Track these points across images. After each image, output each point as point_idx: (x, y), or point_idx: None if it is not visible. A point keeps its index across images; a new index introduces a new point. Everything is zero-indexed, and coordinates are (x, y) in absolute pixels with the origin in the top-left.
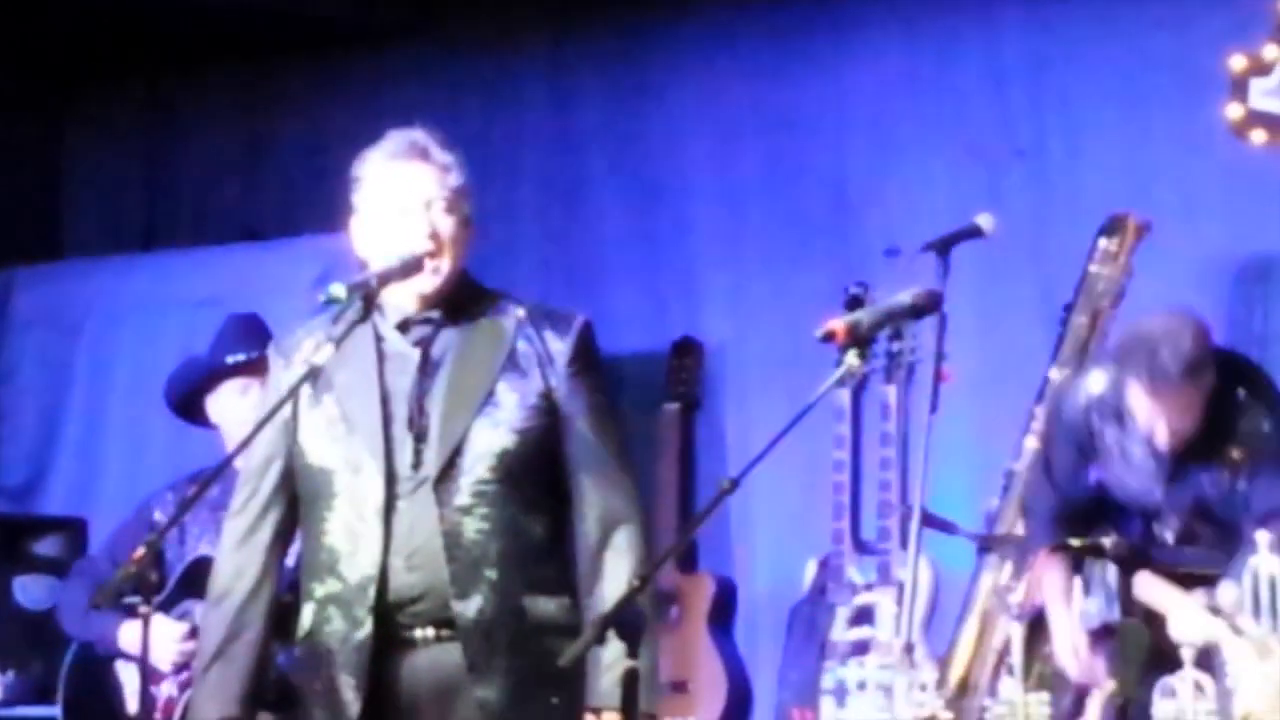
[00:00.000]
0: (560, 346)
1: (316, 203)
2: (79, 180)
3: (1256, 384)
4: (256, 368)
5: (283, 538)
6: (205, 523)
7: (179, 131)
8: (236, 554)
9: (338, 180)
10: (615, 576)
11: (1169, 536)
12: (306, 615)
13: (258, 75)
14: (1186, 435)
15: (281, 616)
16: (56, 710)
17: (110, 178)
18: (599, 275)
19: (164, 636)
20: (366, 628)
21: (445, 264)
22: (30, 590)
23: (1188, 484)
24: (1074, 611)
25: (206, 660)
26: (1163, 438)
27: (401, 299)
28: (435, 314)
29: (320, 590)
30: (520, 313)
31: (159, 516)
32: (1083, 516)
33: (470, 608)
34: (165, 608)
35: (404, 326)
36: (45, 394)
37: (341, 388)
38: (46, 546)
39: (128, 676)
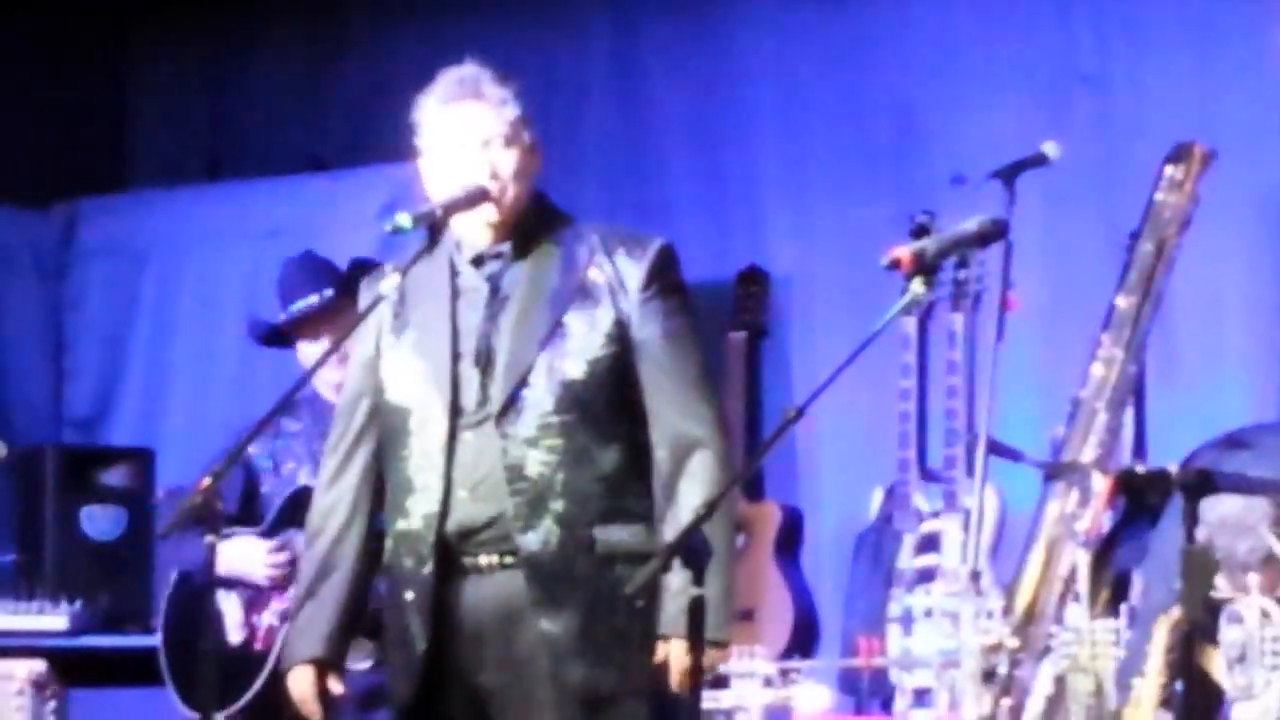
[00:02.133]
0: (633, 271)
1: (382, 132)
2: (144, 111)
3: None
4: (311, 319)
5: (374, 473)
6: (299, 455)
7: (243, 62)
8: (328, 492)
9: (403, 110)
10: (688, 503)
11: None
12: (386, 550)
13: (322, 4)
14: None
15: (379, 550)
16: (125, 640)
17: (175, 108)
18: (665, 205)
19: (254, 553)
20: (430, 562)
21: (510, 197)
22: (97, 520)
23: None
24: None
25: (299, 600)
26: None
27: (474, 234)
28: (506, 246)
29: (395, 526)
30: (595, 239)
31: (251, 450)
32: None
33: (534, 540)
34: (267, 536)
35: (478, 261)
36: (111, 325)
37: (418, 324)
38: (113, 477)
39: (228, 607)
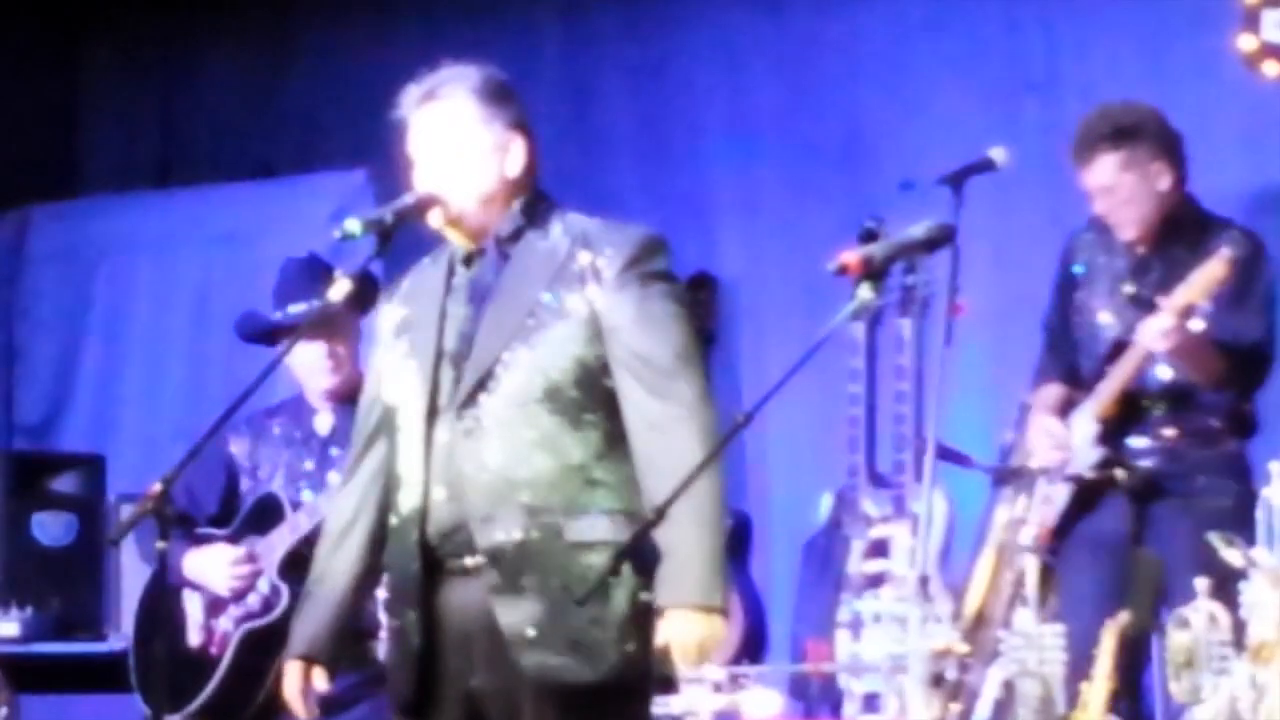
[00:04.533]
0: (610, 261)
1: (332, 139)
2: (95, 117)
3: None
4: (309, 322)
5: (383, 475)
6: (275, 459)
7: (194, 69)
8: (339, 494)
9: (352, 117)
10: (672, 466)
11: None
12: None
13: (273, 11)
14: (1132, 223)
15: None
16: (75, 647)
17: (126, 115)
18: (613, 210)
19: (219, 561)
20: (416, 562)
21: (463, 198)
22: (48, 527)
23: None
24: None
25: (302, 599)
26: (1101, 211)
27: (453, 235)
28: (489, 243)
29: (390, 523)
30: (579, 231)
31: (234, 449)
32: (1065, 343)
33: (495, 534)
34: (230, 542)
35: (469, 260)
36: (63, 331)
37: (414, 325)
38: (64, 483)
39: (191, 608)
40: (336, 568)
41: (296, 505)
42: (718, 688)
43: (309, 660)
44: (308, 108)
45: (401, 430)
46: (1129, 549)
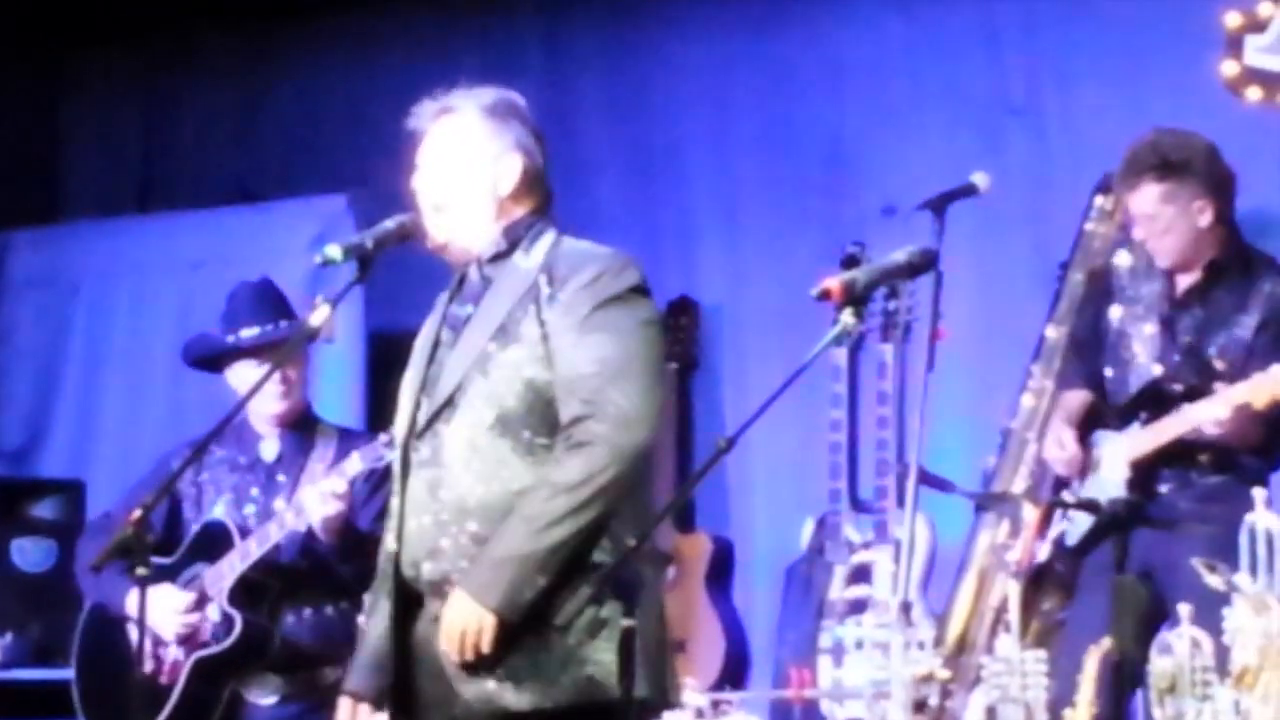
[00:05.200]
0: (565, 282)
1: (313, 164)
2: (75, 142)
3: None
4: (270, 346)
5: None
6: (220, 485)
7: (175, 93)
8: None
9: (334, 141)
10: (546, 489)
11: (1154, 371)
12: None
13: (253, 37)
14: (1169, 253)
15: None
16: (55, 673)
17: (106, 140)
18: (595, 235)
19: (167, 607)
20: (390, 593)
21: (443, 222)
22: (28, 553)
23: (1188, 330)
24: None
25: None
26: (1142, 239)
27: (449, 255)
28: (475, 268)
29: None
30: (551, 254)
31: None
32: (1092, 352)
33: (440, 564)
34: (175, 571)
35: (460, 284)
36: (42, 356)
37: (415, 353)
38: (44, 509)
39: (138, 637)
40: (382, 603)
41: (245, 532)
42: (700, 713)
43: (356, 697)
44: (288, 133)
45: (398, 460)
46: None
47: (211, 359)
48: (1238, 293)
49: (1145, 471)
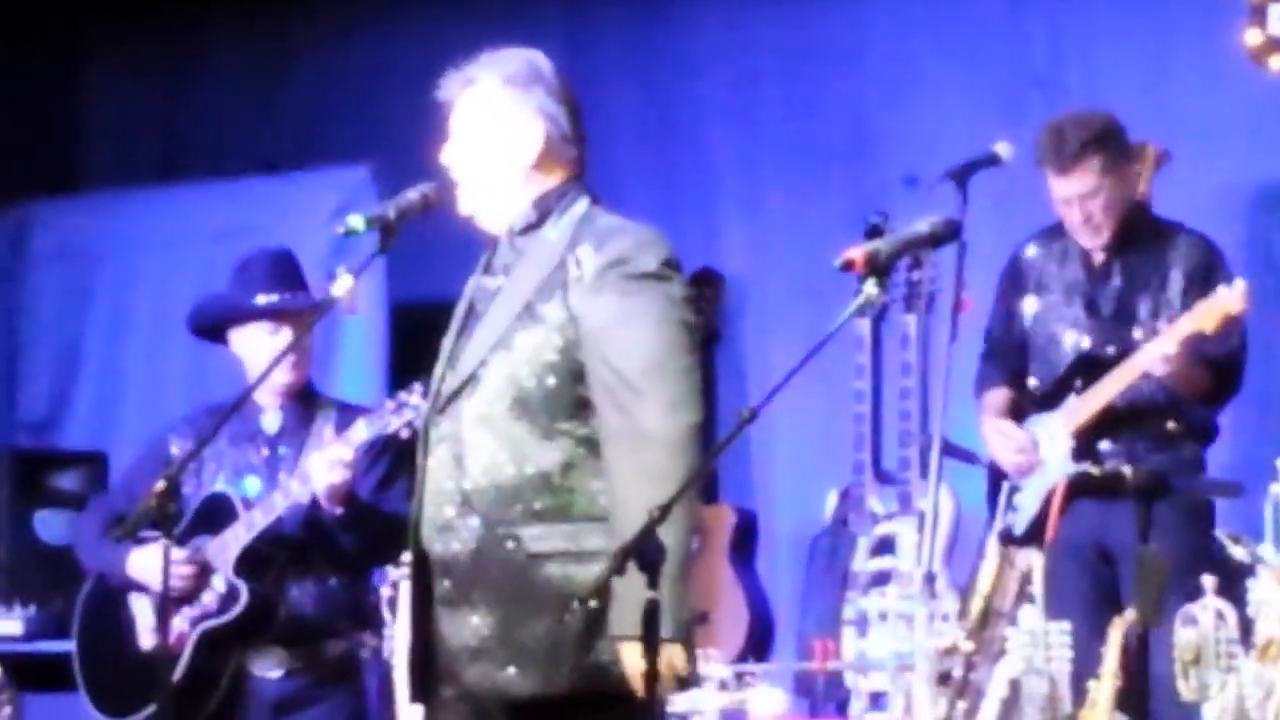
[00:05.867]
0: (593, 259)
1: (335, 134)
2: (97, 115)
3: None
4: (288, 312)
5: None
6: (224, 458)
7: (196, 65)
8: None
9: (356, 112)
10: (623, 500)
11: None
12: None
13: (275, 6)
14: (1108, 226)
15: None
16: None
17: (128, 111)
18: (618, 207)
19: (161, 560)
20: (409, 573)
21: (473, 190)
22: (51, 524)
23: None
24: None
25: None
26: (1076, 219)
27: (482, 223)
28: (505, 239)
29: None
30: (577, 232)
31: (175, 450)
32: (1009, 350)
33: (450, 543)
34: (179, 544)
35: (491, 255)
36: (65, 328)
37: (449, 326)
38: (67, 480)
39: (141, 611)
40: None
41: (248, 504)
42: (724, 685)
43: None
44: (310, 103)
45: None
46: (1097, 551)
47: (223, 322)
48: (1154, 256)
49: (1087, 442)
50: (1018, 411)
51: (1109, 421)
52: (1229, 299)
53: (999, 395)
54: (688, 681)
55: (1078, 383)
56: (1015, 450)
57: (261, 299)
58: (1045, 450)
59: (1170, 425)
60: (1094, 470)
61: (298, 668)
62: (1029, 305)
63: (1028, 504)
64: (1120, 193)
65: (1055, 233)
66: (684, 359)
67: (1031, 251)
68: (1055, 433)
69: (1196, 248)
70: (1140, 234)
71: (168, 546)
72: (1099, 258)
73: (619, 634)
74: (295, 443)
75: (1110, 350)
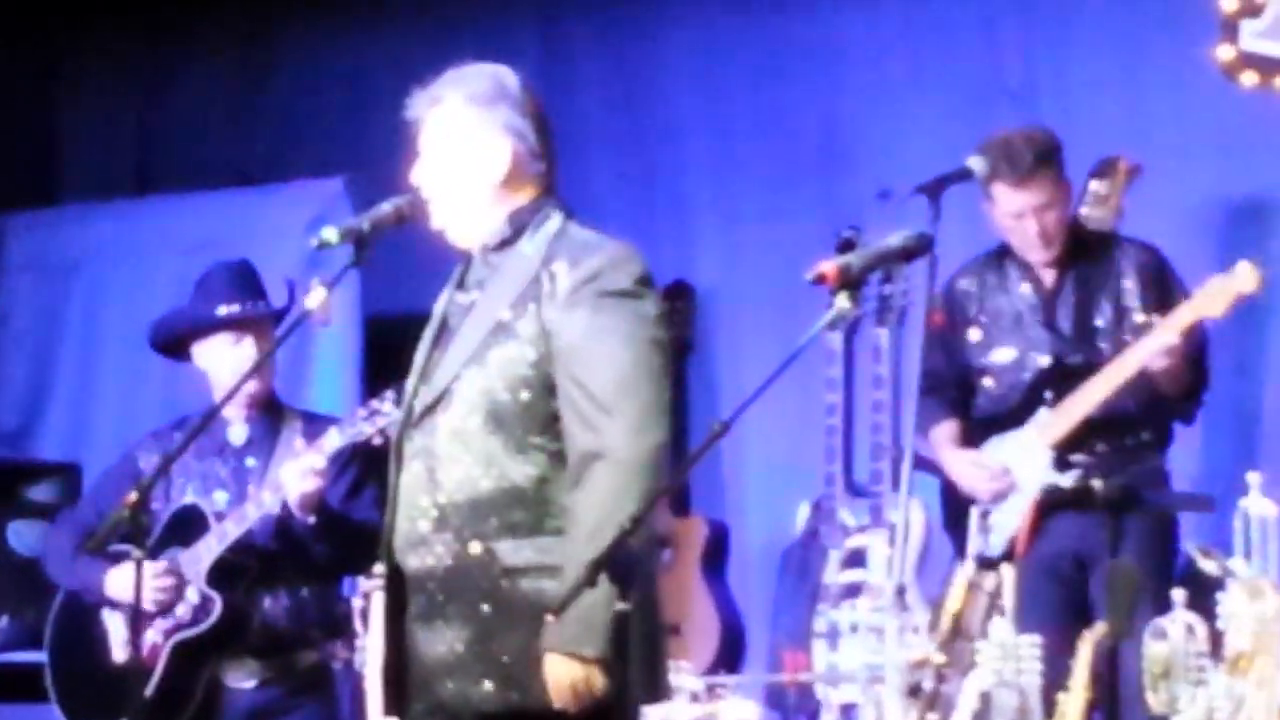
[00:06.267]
0: (567, 275)
1: (310, 147)
2: (72, 126)
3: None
4: (249, 321)
5: None
6: (191, 471)
7: (171, 76)
8: None
9: (331, 125)
10: (582, 516)
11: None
12: None
13: (251, 19)
14: (1059, 239)
15: None
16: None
17: (103, 122)
18: (591, 219)
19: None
20: (383, 587)
21: (441, 204)
22: (24, 535)
23: (1069, 313)
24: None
25: None
26: (1033, 232)
27: (454, 239)
28: (479, 254)
29: None
30: (550, 247)
31: (143, 464)
32: (951, 383)
33: (425, 558)
34: (149, 556)
35: (465, 271)
36: (39, 339)
37: (420, 340)
38: (40, 491)
39: (113, 625)
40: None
41: (220, 516)
42: (695, 697)
43: None
44: (285, 116)
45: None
46: (1073, 564)
47: (186, 336)
48: (1103, 266)
49: (1063, 453)
50: (967, 441)
51: (1082, 433)
52: (1239, 279)
53: (950, 428)
54: (658, 695)
55: (1048, 395)
56: (990, 479)
57: (222, 309)
58: (1018, 469)
59: (1144, 435)
60: (1064, 484)
61: (271, 678)
62: (973, 335)
63: (1006, 522)
64: (1067, 207)
65: (989, 260)
66: (653, 377)
67: (965, 283)
68: (1029, 447)
69: (1143, 253)
70: (1084, 247)
71: (140, 560)
72: (1048, 275)
73: (549, 646)
74: (263, 454)
75: (1078, 361)
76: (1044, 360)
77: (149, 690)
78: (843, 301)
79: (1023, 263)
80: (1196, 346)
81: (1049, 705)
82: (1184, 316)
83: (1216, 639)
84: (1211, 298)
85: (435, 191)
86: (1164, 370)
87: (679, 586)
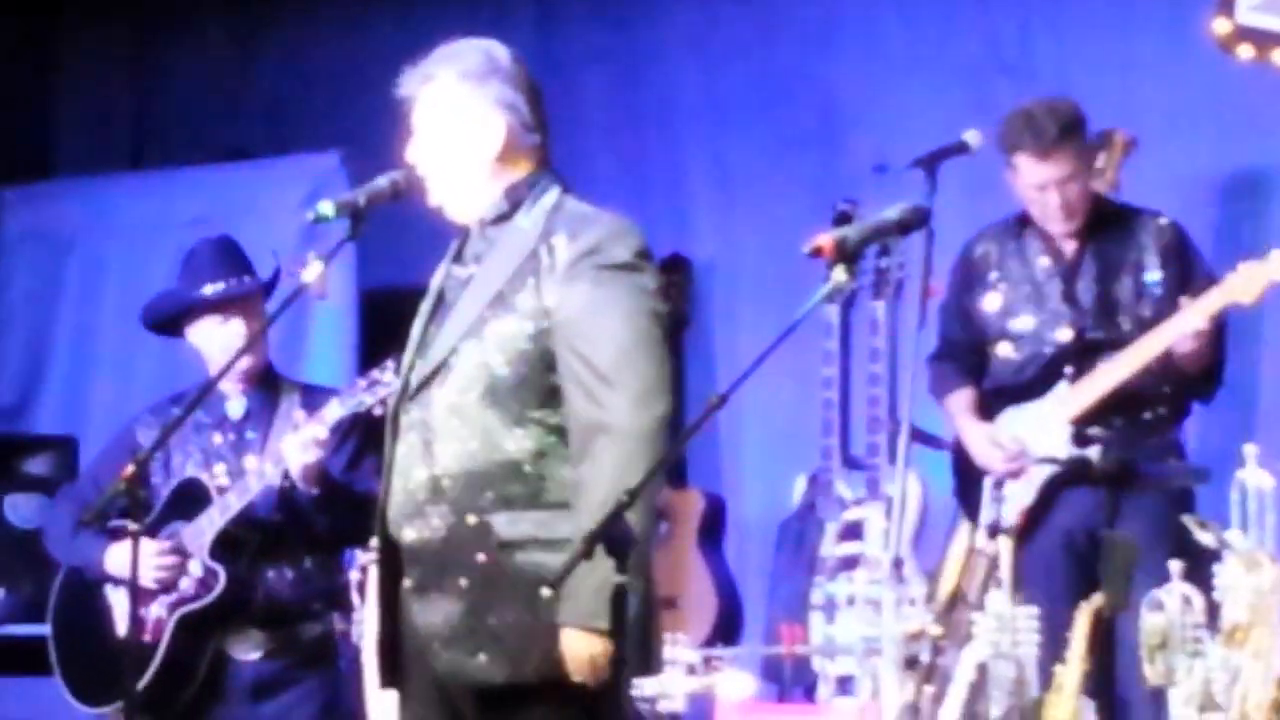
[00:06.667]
0: (566, 249)
1: (306, 121)
2: (67, 100)
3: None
4: (236, 299)
5: None
6: (189, 445)
7: (167, 51)
8: None
9: (327, 99)
10: (589, 489)
11: (1065, 337)
12: None
13: None
14: (1081, 211)
15: None
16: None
17: (98, 98)
18: (587, 193)
19: (144, 553)
20: (378, 559)
21: (438, 179)
22: (21, 509)
23: (1090, 286)
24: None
25: None
26: (1055, 204)
27: (451, 215)
28: (476, 228)
29: None
30: (549, 221)
31: (142, 439)
32: (967, 349)
33: (421, 530)
34: (152, 531)
35: (462, 245)
36: (35, 313)
37: (419, 314)
38: (37, 465)
39: (116, 599)
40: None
41: (221, 489)
42: (691, 670)
43: None
44: (281, 90)
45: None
46: (1086, 538)
47: (175, 318)
48: (1124, 241)
49: (1081, 428)
50: (982, 409)
51: (1100, 409)
52: (1273, 266)
53: (966, 396)
54: (650, 667)
55: (1068, 370)
56: (1006, 460)
57: (208, 289)
58: (1035, 443)
59: (1161, 410)
60: (1060, 455)
61: (276, 649)
62: (990, 302)
63: (1021, 494)
64: (1089, 179)
65: (1009, 228)
66: (654, 350)
67: (983, 248)
68: (1047, 421)
69: (1166, 229)
70: (1106, 220)
71: (137, 534)
72: (1069, 246)
73: (567, 621)
74: (262, 426)
75: (1099, 336)
76: (1065, 334)
77: (155, 663)
78: (839, 275)
79: (1043, 233)
80: (1218, 326)
81: (1046, 676)
82: (1214, 301)
83: (1213, 610)
84: (1244, 283)
85: (431, 169)
86: (1187, 355)
87: (676, 559)
